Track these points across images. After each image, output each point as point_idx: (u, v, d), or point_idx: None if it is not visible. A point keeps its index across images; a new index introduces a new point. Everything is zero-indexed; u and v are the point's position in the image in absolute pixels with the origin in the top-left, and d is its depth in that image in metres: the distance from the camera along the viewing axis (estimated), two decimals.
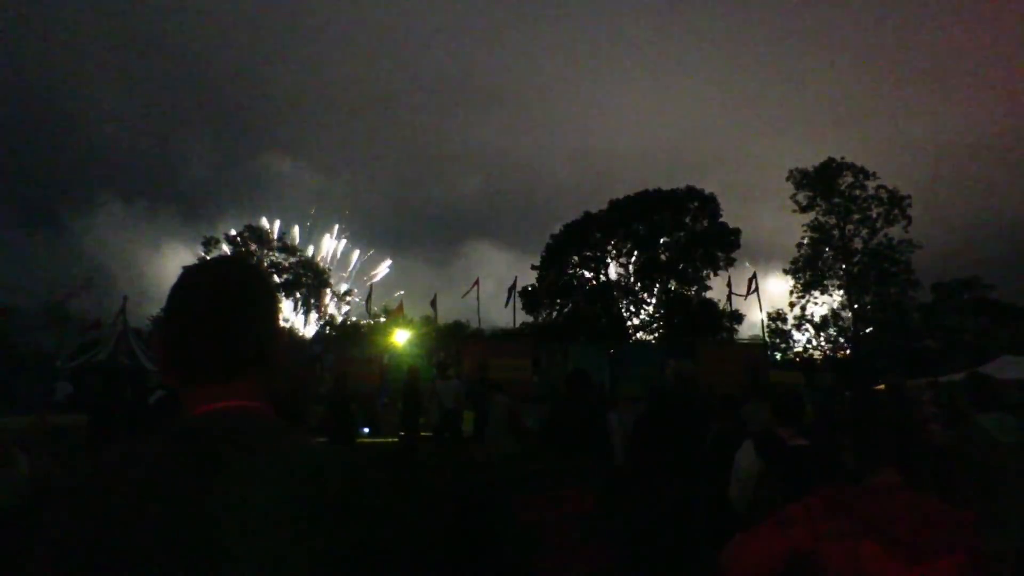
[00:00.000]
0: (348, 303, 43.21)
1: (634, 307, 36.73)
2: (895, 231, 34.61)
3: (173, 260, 49.39)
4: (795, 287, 36.31)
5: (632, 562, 2.33)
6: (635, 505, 2.52)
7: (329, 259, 45.75)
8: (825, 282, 35.81)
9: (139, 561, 0.64)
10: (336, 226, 47.74)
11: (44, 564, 0.66)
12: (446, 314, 31.86)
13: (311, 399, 10.75)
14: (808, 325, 36.03)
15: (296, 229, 44.13)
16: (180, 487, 0.68)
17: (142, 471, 0.71)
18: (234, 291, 0.85)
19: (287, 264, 40.87)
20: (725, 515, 3.14)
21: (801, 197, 36.35)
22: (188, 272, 0.89)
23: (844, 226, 35.69)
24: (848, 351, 34.57)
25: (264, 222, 42.19)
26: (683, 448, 2.86)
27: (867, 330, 34.22)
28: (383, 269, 49.60)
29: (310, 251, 44.44)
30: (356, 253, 48.62)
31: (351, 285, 45.67)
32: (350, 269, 47.43)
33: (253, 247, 40.10)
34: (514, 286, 21.71)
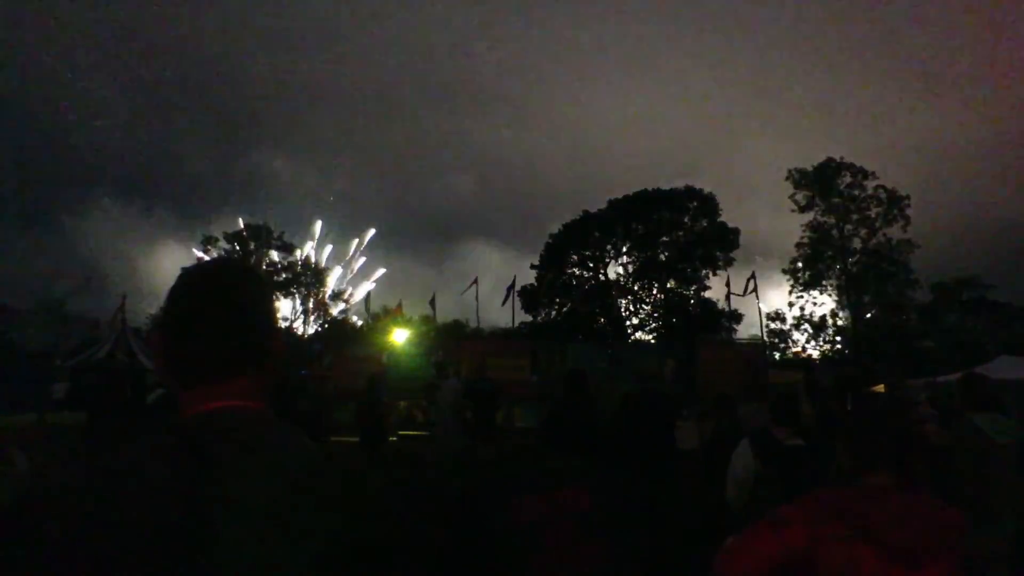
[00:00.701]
0: (345, 301, 43.11)
1: (633, 307, 36.69)
2: (894, 231, 34.62)
3: (171, 258, 49.37)
4: (794, 287, 36.32)
5: (627, 560, 2.33)
6: (614, 500, 2.53)
7: (326, 260, 45.74)
8: (824, 282, 35.80)
9: (137, 562, 0.65)
10: (322, 225, 47.70)
11: (42, 565, 0.66)
12: (444, 313, 31.80)
13: (330, 399, 10.77)
14: (807, 325, 36.01)
15: (294, 227, 44.13)
16: (178, 487, 0.69)
17: (140, 471, 0.71)
18: (232, 293, 0.86)
19: (285, 263, 40.78)
20: (721, 515, 3.16)
21: (800, 197, 36.32)
22: (186, 274, 0.90)
23: (843, 226, 35.68)
24: (847, 351, 34.56)
25: (262, 221, 42.12)
26: (650, 444, 2.87)
27: (865, 330, 34.24)
28: (377, 273, 49.27)
29: (308, 248, 44.44)
30: (356, 248, 48.59)
31: (348, 284, 45.64)
32: (346, 264, 47.42)
33: (251, 246, 40.00)
34: (513, 285, 21.71)
